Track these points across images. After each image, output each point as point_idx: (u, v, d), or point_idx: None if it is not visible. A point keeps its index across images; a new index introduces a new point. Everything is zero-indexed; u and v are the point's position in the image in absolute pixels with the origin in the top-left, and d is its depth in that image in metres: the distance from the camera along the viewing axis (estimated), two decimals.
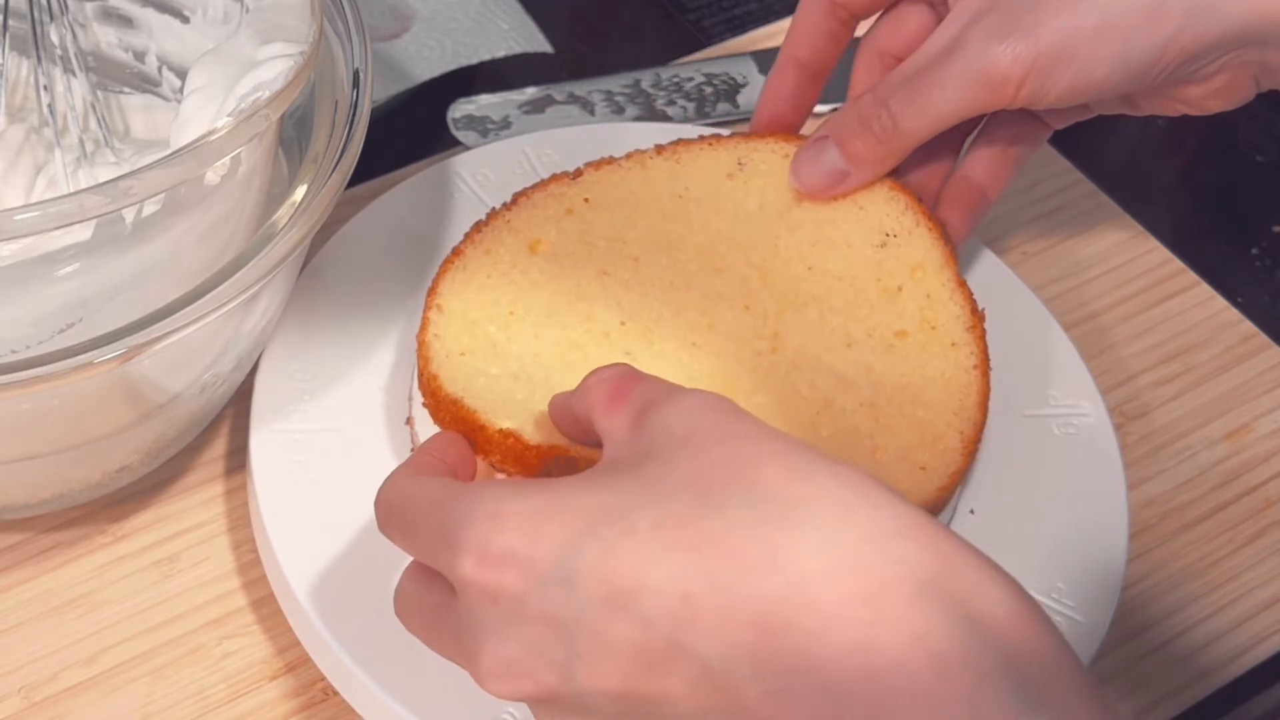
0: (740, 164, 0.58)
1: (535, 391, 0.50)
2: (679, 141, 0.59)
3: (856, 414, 0.52)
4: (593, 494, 0.38)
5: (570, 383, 0.51)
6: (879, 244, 0.56)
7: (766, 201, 0.57)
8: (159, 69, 0.57)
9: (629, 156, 0.58)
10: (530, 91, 0.70)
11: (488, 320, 0.53)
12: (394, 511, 0.43)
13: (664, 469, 0.38)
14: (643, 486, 0.38)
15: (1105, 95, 0.52)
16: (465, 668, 0.40)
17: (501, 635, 0.38)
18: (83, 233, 0.44)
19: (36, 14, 0.52)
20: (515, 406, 0.50)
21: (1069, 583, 0.52)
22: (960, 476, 0.51)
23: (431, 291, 0.54)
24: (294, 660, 0.52)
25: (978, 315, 0.54)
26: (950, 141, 0.57)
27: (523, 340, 0.52)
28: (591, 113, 0.70)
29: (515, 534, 0.38)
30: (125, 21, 0.57)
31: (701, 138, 0.59)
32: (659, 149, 0.58)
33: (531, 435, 0.49)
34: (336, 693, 0.50)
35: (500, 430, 0.49)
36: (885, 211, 0.56)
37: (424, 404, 0.52)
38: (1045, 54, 0.50)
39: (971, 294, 0.55)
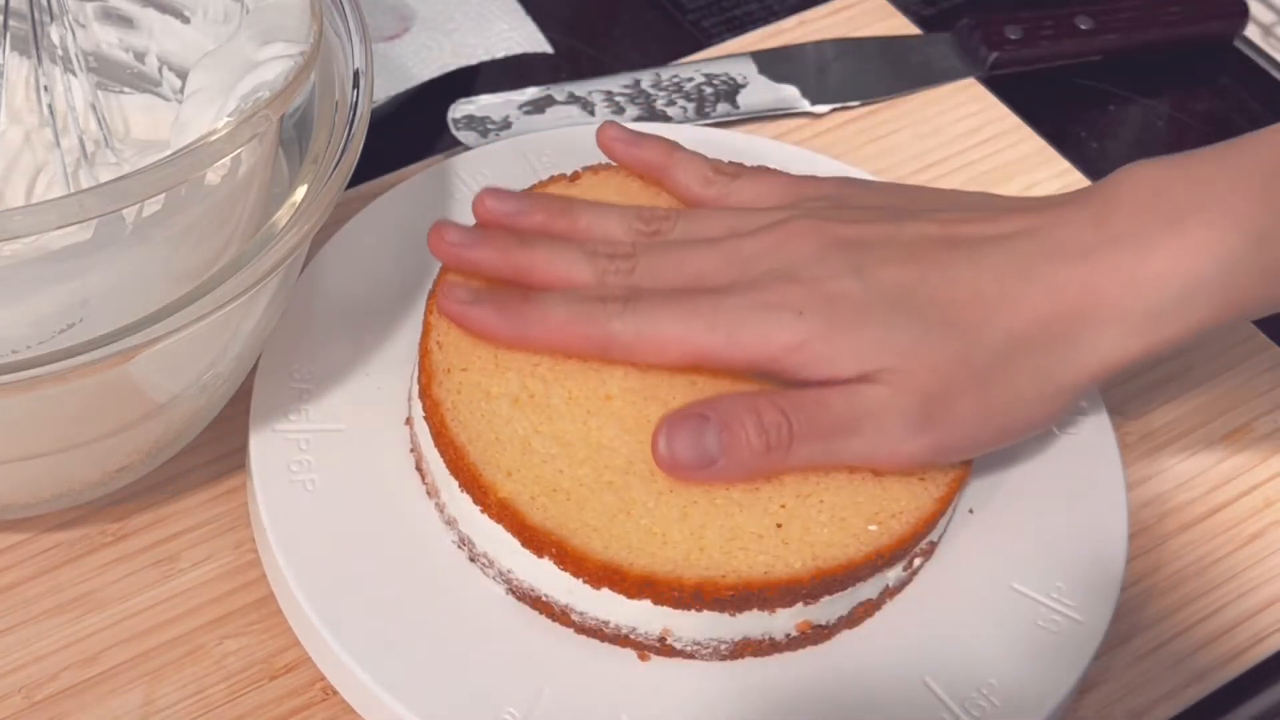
0: None
1: (536, 423, 0.51)
2: None
3: None
4: None
5: (569, 397, 0.51)
6: None
7: None
8: (159, 69, 0.57)
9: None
10: (530, 91, 0.70)
11: None
12: None
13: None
14: None
15: None
16: None
17: None
18: (83, 233, 0.44)
19: (36, 14, 0.52)
20: (515, 449, 0.50)
21: (1069, 582, 0.52)
22: (959, 484, 0.51)
23: (432, 295, 0.54)
24: (294, 660, 0.52)
25: None
26: None
27: (524, 348, 0.52)
28: (591, 113, 0.70)
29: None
30: (125, 21, 0.57)
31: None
32: None
33: (528, 509, 0.49)
34: (336, 693, 0.50)
35: (500, 499, 0.49)
36: None
37: (424, 418, 0.52)
38: (950, 449, 0.51)
39: None
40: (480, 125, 0.68)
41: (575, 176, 0.58)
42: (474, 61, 0.71)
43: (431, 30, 0.72)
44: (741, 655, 0.50)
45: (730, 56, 0.73)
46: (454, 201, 0.61)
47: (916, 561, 0.52)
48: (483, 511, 0.50)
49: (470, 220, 0.56)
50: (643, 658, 0.50)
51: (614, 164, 0.59)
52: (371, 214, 0.60)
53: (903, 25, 0.75)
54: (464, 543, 0.51)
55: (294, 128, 0.52)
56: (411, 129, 0.69)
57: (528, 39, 0.72)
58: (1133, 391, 0.62)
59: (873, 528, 0.49)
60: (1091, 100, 0.75)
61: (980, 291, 0.50)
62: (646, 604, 0.48)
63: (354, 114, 0.50)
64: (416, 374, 0.53)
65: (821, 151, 0.66)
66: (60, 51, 0.53)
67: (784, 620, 0.49)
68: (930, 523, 0.50)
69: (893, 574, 0.51)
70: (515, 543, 0.49)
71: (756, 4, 0.78)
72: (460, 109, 0.69)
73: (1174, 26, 0.76)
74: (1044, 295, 0.50)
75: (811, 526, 0.49)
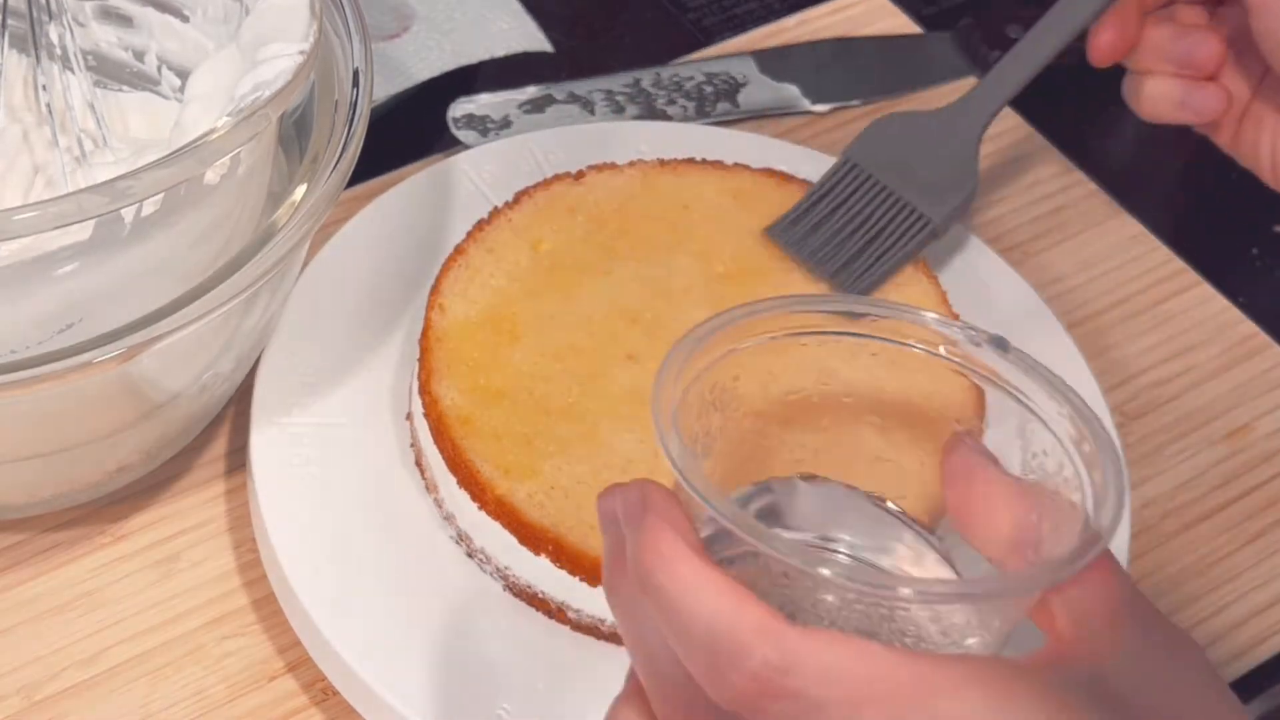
0: (735, 198, 0.58)
1: (535, 421, 0.51)
2: (685, 161, 0.59)
3: (859, 420, 0.52)
4: None
5: (568, 395, 0.51)
6: None
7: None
8: (158, 68, 0.57)
9: (632, 165, 0.59)
10: (530, 91, 0.70)
11: (489, 322, 0.53)
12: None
13: None
14: None
15: None
16: None
17: None
18: (82, 233, 0.43)
19: (35, 13, 0.52)
20: (514, 446, 0.50)
21: None
22: None
23: (434, 290, 0.54)
24: (294, 660, 0.52)
25: None
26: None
27: (524, 345, 0.52)
28: (591, 112, 0.70)
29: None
30: (125, 20, 0.57)
31: (706, 162, 0.60)
32: (662, 163, 0.59)
33: (525, 506, 0.49)
34: (336, 693, 0.50)
35: (497, 496, 0.49)
36: None
37: (424, 414, 0.52)
38: None
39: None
40: (480, 124, 0.68)
41: (580, 175, 0.58)
42: (474, 61, 0.71)
43: (431, 30, 0.72)
44: None
45: (731, 55, 0.73)
46: (455, 200, 0.61)
47: None
48: (480, 508, 0.50)
49: (465, 221, 0.57)
50: None
51: (619, 163, 0.59)
52: (371, 214, 0.60)
53: (903, 24, 0.75)
54: (462, 538, 0.52)
55: (294, 127, 0.52)
56: (411, 129, 0.69)
57: (528, 38, 0.72)
58: (1133, 391, 0.62)
59: None
60: (1092, 100, 0.75)
61: None
62: None
63: (354, 113, 0.50)
64: (417, 370, 0.53)
65: (823, 151, 0.66)
66: (59, 50, 0.53)
67: None
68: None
69: None
70: (512, 539, 0.49)
71: (757, 3, 0.78)
72: (460, 108, 0.69)
73: None
74: None
75: None
